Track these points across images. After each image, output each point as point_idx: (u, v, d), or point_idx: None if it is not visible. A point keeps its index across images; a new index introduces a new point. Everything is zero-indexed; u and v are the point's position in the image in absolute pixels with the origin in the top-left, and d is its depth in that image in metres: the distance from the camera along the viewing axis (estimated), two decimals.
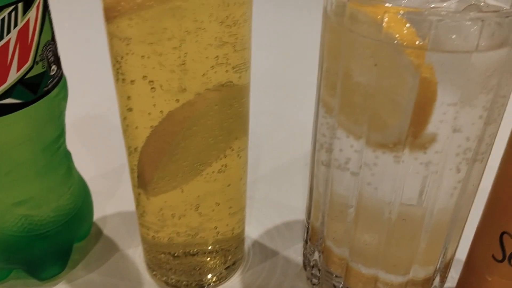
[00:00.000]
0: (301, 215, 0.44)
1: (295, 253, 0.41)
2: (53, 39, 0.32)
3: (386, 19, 0.25)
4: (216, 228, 0.36)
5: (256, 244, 0.42)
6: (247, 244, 0.42)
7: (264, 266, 0.40)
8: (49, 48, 0.32)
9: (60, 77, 0.33)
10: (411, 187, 0.29)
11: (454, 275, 0.37)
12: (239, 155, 0.34)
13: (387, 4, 0.24)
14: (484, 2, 0.29)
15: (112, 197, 0.47)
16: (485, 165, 0.30)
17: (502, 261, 0.30)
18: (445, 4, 0.29)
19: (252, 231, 0.43)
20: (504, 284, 0.31)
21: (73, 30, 0.71)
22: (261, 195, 0.47)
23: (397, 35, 0.25)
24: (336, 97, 0.29)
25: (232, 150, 0.33)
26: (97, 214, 0.43)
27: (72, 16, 0.74)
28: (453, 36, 0.24)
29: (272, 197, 0.47)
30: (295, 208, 0.45)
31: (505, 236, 0.29)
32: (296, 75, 0.67)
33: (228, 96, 0.31)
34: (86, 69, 0.64)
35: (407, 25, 0.25)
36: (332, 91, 0.29)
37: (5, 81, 0.29)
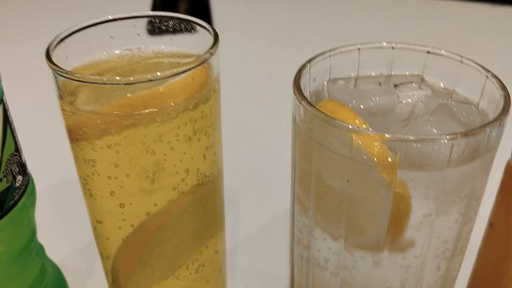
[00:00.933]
0: (284, 284, 0.44)
1: None
2: (16, 149, 0.31)
3: (354, 136, 0.24)
4: None
5: None
6: None
7: None
8: (13, 160, 0.30)
9: (26, 184, 0.32)
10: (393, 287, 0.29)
11: None
12: (216, 250, 0.33)
13: (351, 126, 0.24)
14: (453, 93, 0.29)
15: (90, 276, 0.45)
16: (464, 255, 0.30)
17: None
18: (410, 101, 0.29)
19: None
20: None
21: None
22: (242, 264, 0.46)
23: (367, 152, 0.24)
24: (311, 198, 0.29)
25: (208, 247, 0.32)
26: None
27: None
28: (424, 156, 0.23)
29: (254, 265, 0.46)
30: (277, 276, 0.45)
31: None
32: (271, 125, 0.66)
33: (203, 195, 0.31)
34: (48, 138, 0.62)
35: (377, 142, 0.24)
36: (307, 191, 0.29)
37: None
